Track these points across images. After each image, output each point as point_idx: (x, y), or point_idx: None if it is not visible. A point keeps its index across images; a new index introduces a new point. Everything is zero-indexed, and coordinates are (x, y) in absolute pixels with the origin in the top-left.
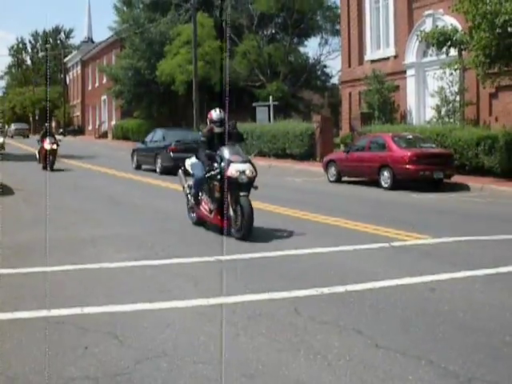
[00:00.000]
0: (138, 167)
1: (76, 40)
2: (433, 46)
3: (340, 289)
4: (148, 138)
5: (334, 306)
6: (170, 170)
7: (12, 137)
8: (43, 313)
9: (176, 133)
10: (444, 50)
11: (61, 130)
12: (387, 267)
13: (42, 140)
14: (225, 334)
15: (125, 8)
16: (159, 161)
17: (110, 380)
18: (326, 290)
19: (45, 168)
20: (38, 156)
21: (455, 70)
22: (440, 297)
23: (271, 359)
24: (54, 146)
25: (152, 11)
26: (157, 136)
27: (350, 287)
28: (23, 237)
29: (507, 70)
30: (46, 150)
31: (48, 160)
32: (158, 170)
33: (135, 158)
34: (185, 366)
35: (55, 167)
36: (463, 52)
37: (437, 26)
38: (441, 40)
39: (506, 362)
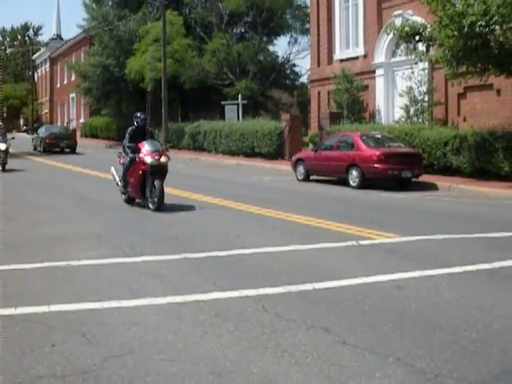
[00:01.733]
0: (35, 148)
1: (45, 37)
2: (401, 38)
3: (308, 287)
4: (40, 131)
5: (301, 303)
6: (45, 149)
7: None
8: (10, 311)
9: (52, 127)
10: (412, 46)
11: (24, 128)
12: (355, 265)
13: None
14: (192, 332)
15: (94, 5)
16: (42, 144)
17: (77, 378)
18: (293, 288)
19: None
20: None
21: (421, 60)
22: (407, 295)
23: (239, 357)
24: (3, 147)
25: (121, 8)
26: (43, 129)
27: (317, 285)
28: None
29: (475, 71)
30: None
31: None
32: (41, 149)
33: (33, 143)
34: (152, 363)
35: (8, 167)
36: (431, 48)
37: (407, 20)
38: (409, 32)
39: (473, 358)
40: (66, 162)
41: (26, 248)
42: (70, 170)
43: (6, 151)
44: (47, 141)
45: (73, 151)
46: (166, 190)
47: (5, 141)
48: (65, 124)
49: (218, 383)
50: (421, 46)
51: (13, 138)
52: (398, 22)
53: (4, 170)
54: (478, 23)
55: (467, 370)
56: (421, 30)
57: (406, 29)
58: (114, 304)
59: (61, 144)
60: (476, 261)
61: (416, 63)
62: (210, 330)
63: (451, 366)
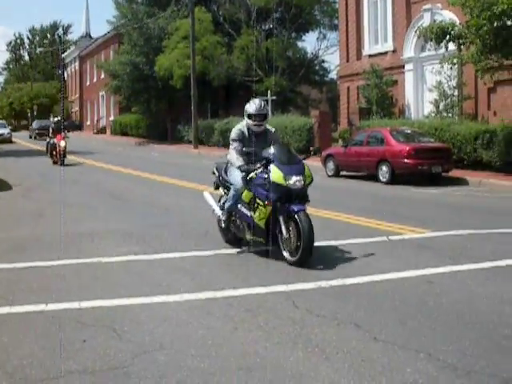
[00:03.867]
0: (30, 137)
1: (74, 35)
2: (431, 40)
3: (338, 282)
4: (33, 124)
5: (331, 299)
6: (35, 137)
7: (35, 138)
8: (41, 307)
9: (41, 122)
10: (442, 44)
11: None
12: (385, 261)
13: (54, 134)
14: (222, 328)
15: (124, 2)
16: (33, 133)
17: (107, 373)
18: (323, 284)
19: (56, 163)
20: (48, 151)
21: (454, 64)
22: (438, 290)
23: (269, 352)
24: (62, 144)
25: (151, 6)
26: (35, 123)
27: (347, 281)
28: (21, 232)
29: (505, 64)
30: (58, 146)
31: (60, 156)
32: (33, 136)
33: (30, 133)
34: (182, 359)
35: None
36: (462, 46)
37: (435, 21)
38: (439, 34)
39: (505, 355)
40: (98, 160)
41: (56, 244)
42: (101, 168)
43: (65, 148)
44: (37, 131)
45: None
46: (193, 185)
47: (64, 138)
48: (51, 119)
49: (249, 378)
50: (451, 45)
51: (67, 138)
52: (427, 16)
53: (63, 164)
54: (510, 12)
55: (499, 366)
56: (449, 29)
57: (438, 33)
58: (144, 300)
59: (46, 134)
60: (507, 256)
61: (448, 60)
62: (240, 325)
63: (483, 361)
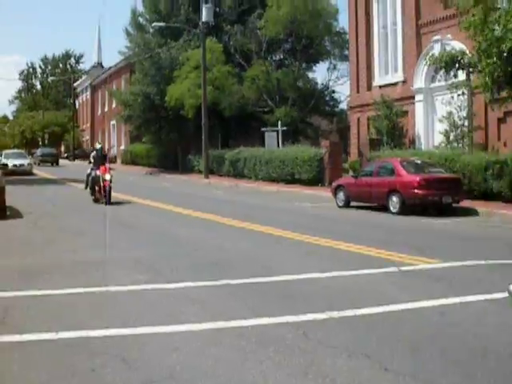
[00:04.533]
0: (34, 163)
1: (86, 65)
2: (441, 69)
3: (349, 313)
4: (37, 152)
5: (343, 330)
6: (39, 163)
7: (38, 164)
8: (51, 335)
9: (44, 149)
10: (452, 73)
11: (65, 154)
12: (396, 291)
13: (96, 165)
14: (232, 358)
15: (136, 32)
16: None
17: None
18: (335, 314)
19: (97, 200)
20: (88, 184)
21: (463, 93)
22: (450, 321)
23: (279, 383)
24: (108, 176)
25: (162, 36)
26: (38, 151)
27: (359, 311)
28: (32, 259)
29: None
30: (103, 180)
31: (105, 192)
32: (37, 163)
33: (33, 159)
34: None
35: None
36: (471, 75)
37: (445, 50)
38: (449, 62)
39: None
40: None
41: (67, 273)
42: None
43: (111, 182)
44: (40, 158)
45: (56, 164)
46: (207, 216)
47: (109, 170)
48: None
49: None
50: (461, 74)
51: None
52: (437, 47)
53: (109, 202)
54: None
55: None
56: (460, 57)
57: (446, 59)
58: (154, 329)
59: (48, 160)
60: None
61: (456, 87)
62: (251, 356)
63: None
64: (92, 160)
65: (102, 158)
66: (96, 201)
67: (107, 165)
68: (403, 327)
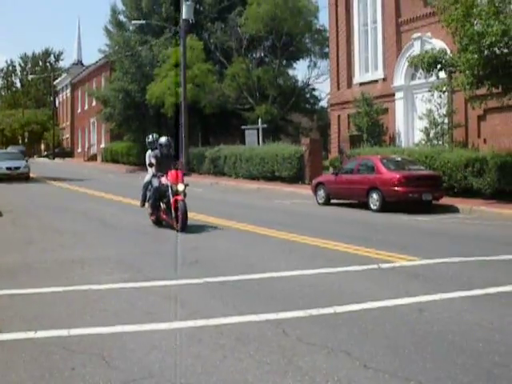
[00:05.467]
0: None
1: (66, 63)
2: (422, 69)
3: (328, 310)
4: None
5: (322, 327)
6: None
7: None
8: (30, 334)
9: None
10: (433, 73)
11: (45, 153)
12: (375, 289)
13: (162, 170)
14: (212, 356)
15: (115, 30)
16: None
17: None
18: (314, 312)
19: (159, 222)
20: (146, 199)
21: (443, 92)
22: (428, 318)
23: (259, 381)
24: (181, 187)
25: (143, 34)
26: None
27: (338, 309)
28: (11, 258)
29: (495, 92)
30: (172, 191)
31: (176, 212)
32: None
33: None
34: None
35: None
36: (452, 74)
37: (426, 51)
38: (430, 63)
39: (496, 382)
40: (89, 187)
41: (46, 272)
42: (92, 195)
43: (185, 196)
44: None
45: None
46: (189, 214)
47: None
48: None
49: None
50: (442, 74)
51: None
52: (417, 44)
53: (184, 228)
54: (498, 44)
55: None
56: (441, 57)
57: (429, 61)
58: (134, 328)
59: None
60: (497, 283)
61: (436, 88)
62: (230, 353)
63: None
64: (153, 161)
65: (170, 159)
66: (157, 223)
67: (180, 169)
68: (383, 324)
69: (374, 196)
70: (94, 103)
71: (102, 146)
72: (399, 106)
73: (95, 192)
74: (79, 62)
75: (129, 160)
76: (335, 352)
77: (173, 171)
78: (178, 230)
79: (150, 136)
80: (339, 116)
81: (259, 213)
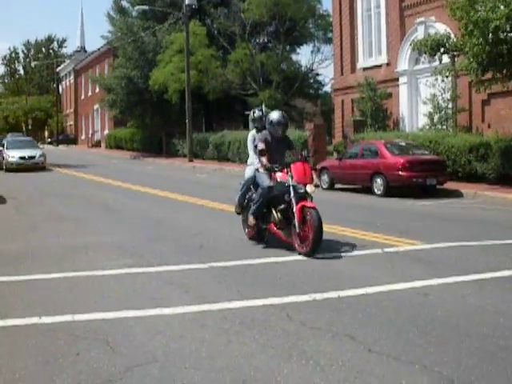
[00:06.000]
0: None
1: (69, 49)
2: (425, 53)
3: (333, 295)
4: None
5: (326, 311)
6: None
7: None
8: (34, 320)
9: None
10: (437, 57)
11: (49, 140)
12: (380, 273)
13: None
14: (216, 341)
15: (118, 16)
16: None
17: None
18: (318, 296)
19: (261, 240)
20: (244, 199)
21: (447, 76)
22: (433, 302)
23: (263, 365)
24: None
25: (146, 19)
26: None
27: (342, 293)
28: (15, 245)
29: (500, 77)
30: (300, 196)
31: (305, 227)
32: None
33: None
34: (176, 372)
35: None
36: (456, 58)
37: (429, 34)
38: (433, 47)
39: (501, 365)
40: (94, 174)
41: (50, 258)
42: (96, 182)
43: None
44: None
45: None
46: (192, 200)
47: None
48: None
49: None
50: (445, 58)
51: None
52: (421, 29)
53: (314, 252)
54: (503, 27)
55: (495, 377)
56: (444, 40)
57: (432, 45)
58: (138, 313)
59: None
60: (501, 267)
61: (440, 72)
62: (235, 338)
63: (478, 373)
64: (262, 147)
65: (284, 145)
66: (258, 238)
67: (307, 160)
68: (386, 308)
69: (378, 181)
70: (97, 90)
71: (106, 132)
72: (403, 90)
73: (99, 178)
74: (82, 49)
75: (132, 146)
76: (339, 336)
77: (298, 164)
78: (303, 253)
79: (256, 110)
80: (343, 101)
81: None
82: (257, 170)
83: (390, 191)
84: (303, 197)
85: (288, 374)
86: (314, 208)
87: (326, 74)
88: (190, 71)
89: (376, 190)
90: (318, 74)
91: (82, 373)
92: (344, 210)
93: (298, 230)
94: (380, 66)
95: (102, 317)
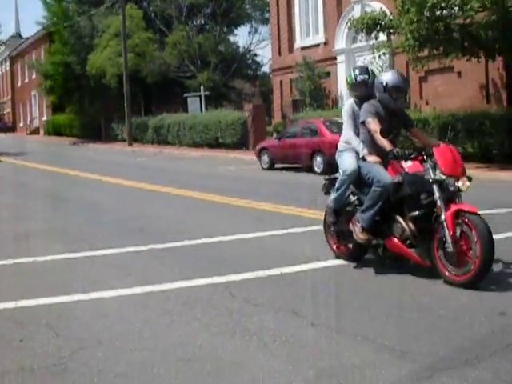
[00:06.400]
0: None
1: (3, 35)
2: (362, 31)
3: (275, 271)
4: None
5: (269, 288)
6: None
7: None
8: None
9: None
10: (373, 35)
11: None
12: (321, 250)
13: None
14: (160, 321)
15: (53, 1)
16: None
17: (45, 370)
18: (260, 274)
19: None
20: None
21: (384, 53)
22: (375, 275)
23: (207, 343)
24: (465, 184)
25: (81, 4)
26: None
27: (284, 270)
28: None
29: (436, 54)
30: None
31: (460, 244)
32: None
33: None
34: (121, 354)
35: None
36: (392, 36)
37: (365, 12)
38: (370, 25)
39: (441, 334)
40: (33, 160)
41: None
42: (34, 168)
43: None
44: None
45: None
46: (130, 183)
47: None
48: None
49: (187, 369)
50: (382, 36)
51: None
52: (358, 8)
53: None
54: (439, 4)
55: (436, 345)
56: (381, 18)
57: (369, 23)
58: (81, 297)
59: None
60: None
61: (377, 48)
62: (178, 318)
63: (420, 342)
64: (375, 126)
65: (398, 122)
66: (351, 258)
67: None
68: (329, 284)
69: (318, 159)
70: (34, 76)
71: (44, 119)
72: (341, 69)
73: (38, 165)
74: (18, 35)
75: (71, 132)
76: (282, 312)
77: (443, 148)
78: (459, 282)
79: (357, 71)
80: (281, 81)
81: (203, 179)
82: (362, 158)
83: (330, 169)
84: (453, 196)
85: (232, 350)
86: (475, 213)
87: (264, 54)
88: (127, 55)
89: (316, 169)
90: (255, 55)
91: (27, 358)
92: (285, 189)
93: (451, 249)
94: (318, 46)
95: (45, 302)
